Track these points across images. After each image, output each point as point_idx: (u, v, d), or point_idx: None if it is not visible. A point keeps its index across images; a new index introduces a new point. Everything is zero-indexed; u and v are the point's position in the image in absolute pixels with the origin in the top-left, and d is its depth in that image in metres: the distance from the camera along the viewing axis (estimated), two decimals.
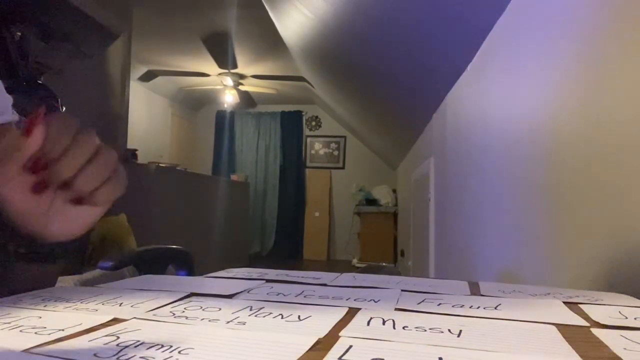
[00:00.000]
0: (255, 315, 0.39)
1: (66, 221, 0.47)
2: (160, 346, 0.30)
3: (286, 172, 7.05)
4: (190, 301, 0.45)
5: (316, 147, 7.11)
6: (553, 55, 1.07)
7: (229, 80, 5.50)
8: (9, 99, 0.58)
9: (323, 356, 0.29)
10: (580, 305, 0.46)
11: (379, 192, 6.25)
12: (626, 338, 0.34)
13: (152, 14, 3.84)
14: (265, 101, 6.80)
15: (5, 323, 0.35)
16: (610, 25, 0.81)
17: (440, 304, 0.46)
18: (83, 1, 2.63)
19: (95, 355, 0.28)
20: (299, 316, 0.39)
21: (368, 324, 0.37)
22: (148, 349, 0.29)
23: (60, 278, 0.62)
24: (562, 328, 0.37)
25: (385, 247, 5.92)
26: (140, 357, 0.27)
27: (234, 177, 5.91)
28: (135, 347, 0.29)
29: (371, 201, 6.21)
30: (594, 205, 0.84)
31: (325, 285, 0.57)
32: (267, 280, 0.60)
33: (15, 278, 0.51)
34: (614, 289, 0.57)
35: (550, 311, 0.44)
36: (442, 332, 0.35)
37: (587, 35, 0.90)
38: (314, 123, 7.14)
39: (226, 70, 5.31)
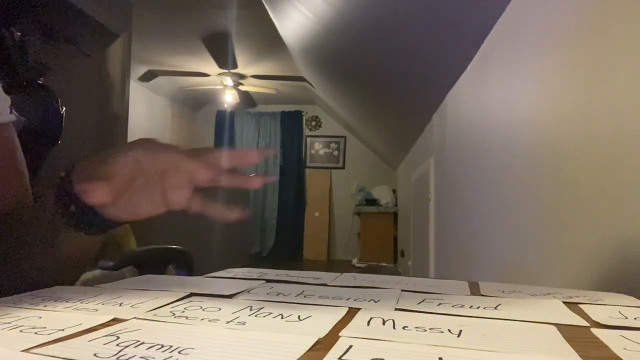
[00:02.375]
0: (255, 315, 0.39)
1: (128, 209, 0.51)
2: (160, 346, 0.30)
3: (286, 172, 7.05)
4: (190, 301, 0.45)
5: (316, 147, 7.11)
6: (553, 55, 1.07)
7: (229, 80, 5.50)
8: (6, 100, 0.58)
9: (323, 356, 0.29)
10: (580, 305, 0.46)
11: (379, 192, 6.25)
12: (626, 338, 0.34)
13: (152, 14, 3.84)
14: (265, 101, 6.80)
15: (5, 323, 0.35)
16: (611, 25, 0.81)
17: (440, 304, 0.46)
18: (83, 1, 2.63)
19: (95, 355, 0.28)
20: (299, 316, 0.39)
21: (368, 324, 0.37)
22: (148, 349, 0.29)
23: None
24: (562, 328, 0.37)
25: (385, 247, 5.92)
26: (140, 357, 0.27)
27: None
28: (135, 347, 0.29)
29: (371, 201, 6.21)
30: (594, 205, 0.84)
31: (325, 285, 0.57)
32: (267, 280, 0.59)
33: (62, 247, 0.53)
34: (614, 289, 0.57)
35: (550, 311, 0.44)
36: (442, 332, 0.35)
37: (587, 36, 0.90)
38: (314, 123, 7.14)
39: (226, 70, 5.31)
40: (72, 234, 0.52)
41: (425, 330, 0.35)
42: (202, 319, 0.38)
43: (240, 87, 5.71)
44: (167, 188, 0.51)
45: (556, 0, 1.08)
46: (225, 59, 4.93)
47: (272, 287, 0.53)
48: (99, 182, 0.46)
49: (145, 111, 5.93)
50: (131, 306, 0.42)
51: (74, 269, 0.59)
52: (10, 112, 0.58)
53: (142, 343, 0.30)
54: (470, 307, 0.44)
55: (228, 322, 0.37)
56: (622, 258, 0.72)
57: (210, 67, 5.22)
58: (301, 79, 5.33)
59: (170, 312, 0.40)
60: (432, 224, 2.92)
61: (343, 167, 7.00)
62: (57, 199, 0.50)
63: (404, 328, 0.36)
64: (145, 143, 0.51)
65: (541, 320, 0.39)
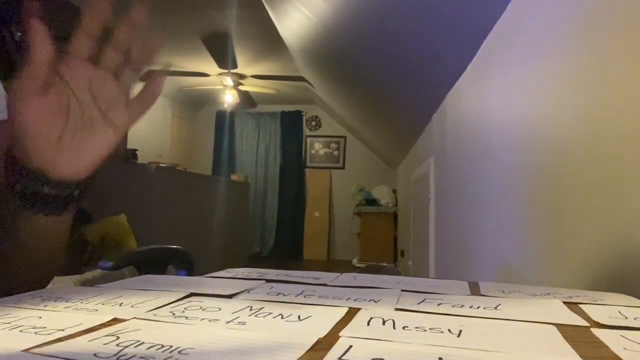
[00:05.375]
0: (255, 315, 0.39)
1: (77, 152, 0.45)
2: (160, 346, 0.30)
3: (286, 172, 7.05)
4: (190, 301, 0.45)
5: (316, 147, 7.11)
6: (553, 55, 1.07)
7: (229, 80, 5.50)
8: (6, 97, 0.58)
9: (323, 356, 0.29)
10: (580, 305, 0.46)
11: (379, 192, 6.25)
12: (626, 338, 0.34)
13: (152, 14, 3.83)
14: (265, 101, 6.80)
15: (5, 323, 0.35)
16: (611, 25, 0.81)
17: (440, 304, 0.46)
18: (83, 1, 2.63)
19: (95, 355, 0.28)
20: (299, 316, 0.39)
21: (368, 324, 0.37)
22: (148, 349, 0.29)
23: (59, 278, 0.62)
24: (562, 328, 0.37)
25: (385, 247, 5.92)
26: (140, 357, 0.27)
27: (234, 177, 5.91)
28: (135, 347, 0.29)
29: (371, 201, 6.20)
30: (593, 205, 0.84)
31: (325, 285, 0.57)
32: (267, 280, 0.59)
33: (20, 232, 0.49)
34: (613, 289, 0.57)
35: (550, 311, 0.44)
36: (442, 332, 0.35)
37: (587, 36, 0.90)
38: (314, 123, 7.14)
39: (226, 70, 5.31)
40: (33, 220, 0.47)
41: (425, 330, 0.35)
42: (202, 319, 0.38)
43: (240, 87, 5.71)
44: (104, 107, 0.45)
45: (556, 0, 1.08)
46: (225, 59, 4.93)
47: (272, 287, 0.53)
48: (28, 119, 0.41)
49: None
50: (131, 306, 0.42)
51: (44, 260, 0.53)
52: None
53: (142, 343, 0.30)
54: (470, 307, 0.44)
55: (228, 322, 0.37)
56: (622, 258, 0.72)
57: (210, 67, 5.22)
58: (301, 79, 5.33)
59: (170, 312, 0.40)
60: (432, 224, 2.92)
61: (343, 167, 6.99)
62: (4, 182, 0.45)
63: (404, 328, 0.36)
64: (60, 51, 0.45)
65: (541, 320, 0.39)
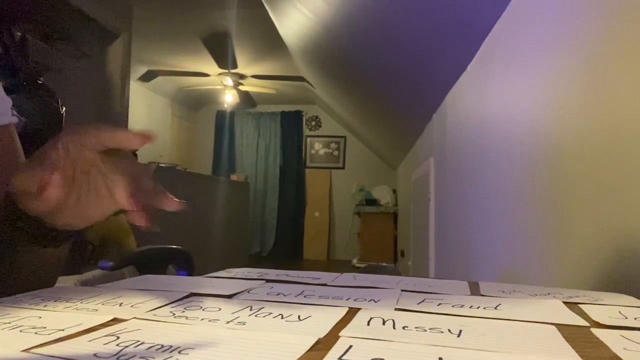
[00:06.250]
0: (255, 315, 0.39)
1: (78, 213, 0.47)
2: (160, 346, 0.30)
3: (286, 172, 7.05)
4: (190, 301, 0.45)
5: (316, 147, 7.10)
6: (553, 55, 1.07)
7: (229, 80, 5.50)
8: (8, 101, 0.58)
9: (323, 356, 0.29)
10: (580, 305, 0.47)
11: (379, 192, 6.25)
12: (626, 338, 0.34)
13: (152, 14, 3.84)
14: (265, 101, 6.80)
15: (5, 323, 0.35)
16: (611, 25, 0.81)
17: (440, 304, 0.46)
18: (83, 1, 2.64)
19: (95, 355, 0.28)
20: (299, 316, 0.39)
21: (368, 324, 0.37)
22: (148, 349, 0.29)
23: (59, 278, 0.62)
24: (562, 328, 0.37)
25: (385, 247, 5.92)
26: (140, 357, 0.27)
27: (234, 177, 5.91)
28: (135, 347, 0.29)
29: (371, 201, 6.20)
30: (594, 205, 0.84)
31: (325, 285, 0.57)
32: (267, 280, 0.59)
33: (19, 262, 0.51)
34: (613, 289, 0.57)
35: (550, 311, 0.44)
36: (442, 332, 0.35)
37: (587, 35, 0.90)
38: (314, 123, 7.14)
39: (226, 70, 5.31)
40: (31, 250, 0.49)
41: (425, 330, 0.35)
42: (202, 319, 0.38)
43: (240, 87, 5.71)
44: (111, 183, 0.48)
45: (556, 0, 1.08)
46: (225, 59, 4.93)
47: (272, 287, 0.53)
48: (37, 188, 0.42)
49: (145, 111, 5.92)
50: (131, 306, 0.42)
51: (41, 284, 0.55)
52: (11, 114, 0.58)
53: (142, 343, 0.30)
54: (470, 307, 0.44)
55: (228, 322, 0.37)
56: (622, 258, 0.72)
57: (210, 67, 5.22)
58: (301, 79, 5.32)
59: (170, 312, 0.40)
60: (432, 224, 2.92)
61: (343, 167, 6.99)
62: (5, 217, 0.47)
63: (404, 328, 0.36)
64: (75, 131, 0.47)
65: (541, 320, 0.39)
